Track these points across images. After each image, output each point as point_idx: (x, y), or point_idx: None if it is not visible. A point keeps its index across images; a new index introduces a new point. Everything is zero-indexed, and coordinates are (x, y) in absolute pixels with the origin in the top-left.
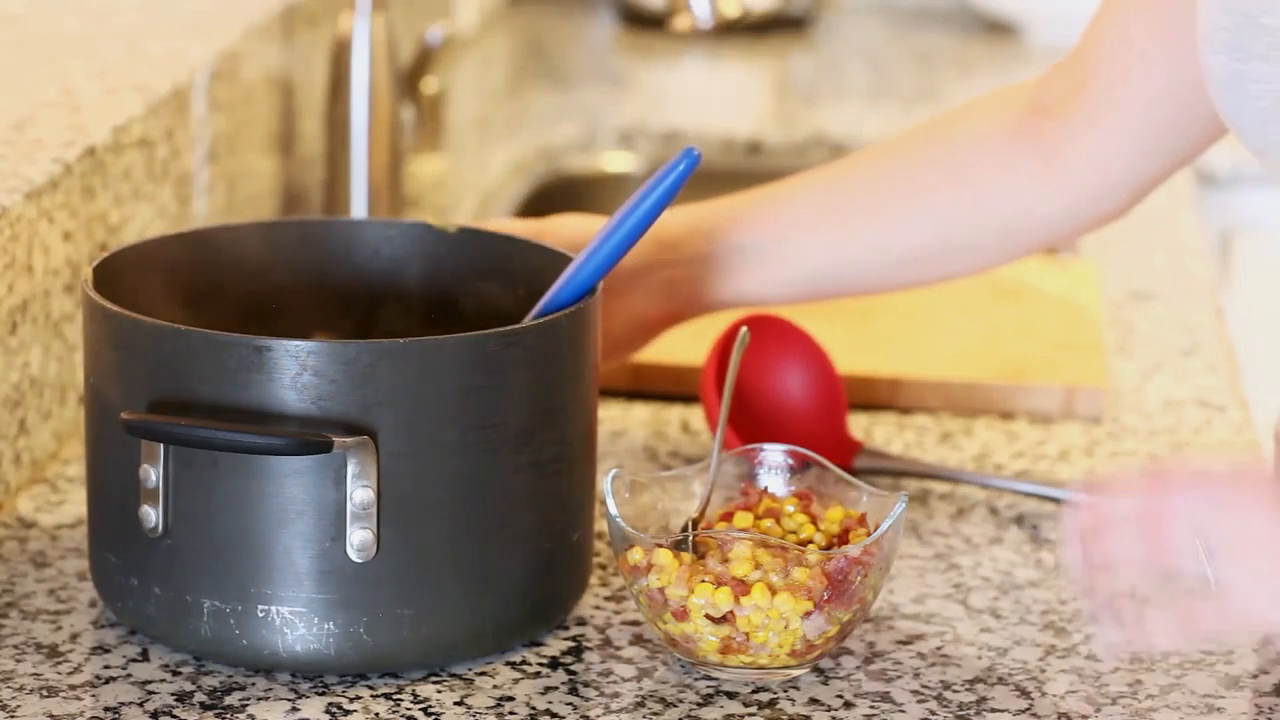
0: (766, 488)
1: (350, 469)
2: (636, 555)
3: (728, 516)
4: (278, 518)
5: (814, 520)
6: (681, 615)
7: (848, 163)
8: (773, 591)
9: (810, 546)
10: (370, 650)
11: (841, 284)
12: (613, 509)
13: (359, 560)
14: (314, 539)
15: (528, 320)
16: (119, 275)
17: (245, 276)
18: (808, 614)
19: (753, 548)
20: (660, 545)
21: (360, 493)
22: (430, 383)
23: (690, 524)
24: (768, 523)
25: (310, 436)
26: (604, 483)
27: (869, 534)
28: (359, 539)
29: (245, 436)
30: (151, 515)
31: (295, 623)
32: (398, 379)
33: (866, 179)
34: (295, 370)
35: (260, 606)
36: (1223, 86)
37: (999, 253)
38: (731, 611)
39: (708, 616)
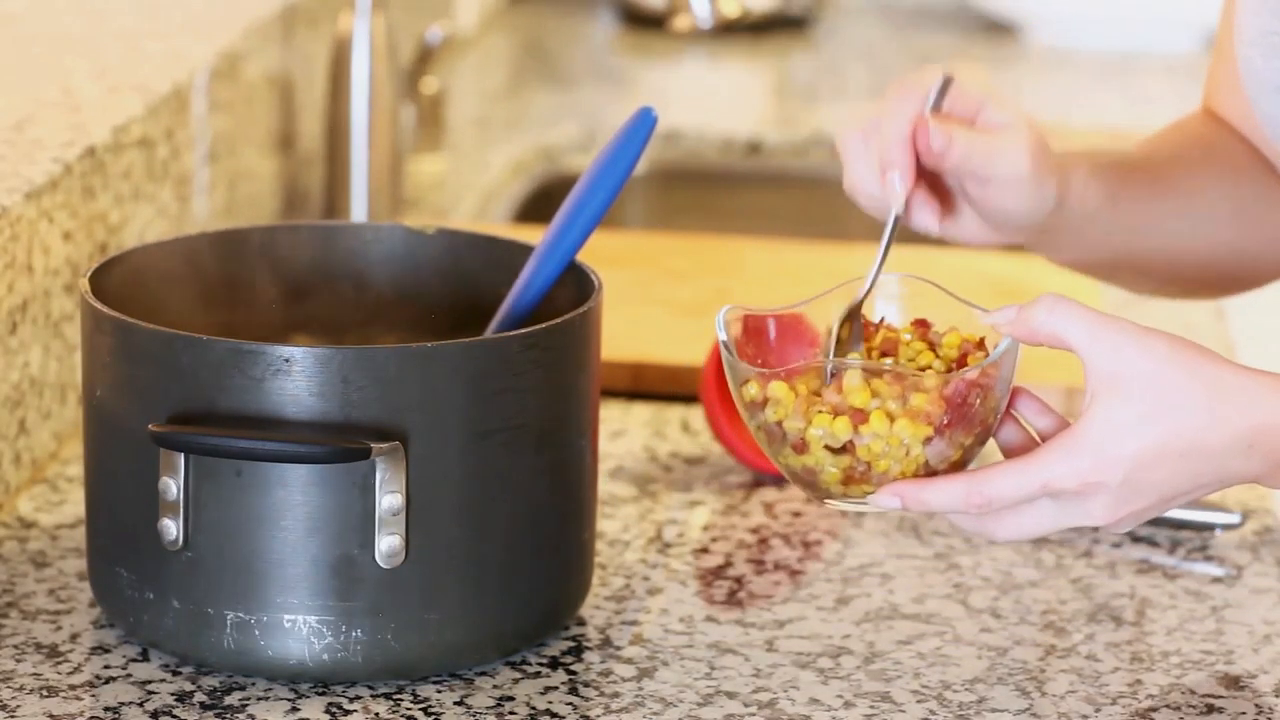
0: (884, 319)
1: (379, 475)
2: (753, 390)
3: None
4: (304, 526)
5: (932, 347)
6: (801, 448)
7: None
8: (891, 419)
9: (928, 371)
10: (398, 656)
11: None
12: (727, 341)
13: (387, 567)
14: (341, 547)
15: (504, 305)
16: (111, 285)
17: (220, 284)
18: (928, 439)
19: (866, 377)
20: (776, 377)
21: (389, 499)
22: (457, 386)
23: (850, 311)
24: (886, 361)
25: (348, 444)
26: (718, 318)
27: (987, 356)
28: (387, 545)
29: (286, 446)
30: (172, 528)
31: (323, 631)
32: (425, 383)
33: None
34: (322, 377)
35: (286, 617)
36: (1263, 89)
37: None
38: (851, 441)
39: (827, 448)
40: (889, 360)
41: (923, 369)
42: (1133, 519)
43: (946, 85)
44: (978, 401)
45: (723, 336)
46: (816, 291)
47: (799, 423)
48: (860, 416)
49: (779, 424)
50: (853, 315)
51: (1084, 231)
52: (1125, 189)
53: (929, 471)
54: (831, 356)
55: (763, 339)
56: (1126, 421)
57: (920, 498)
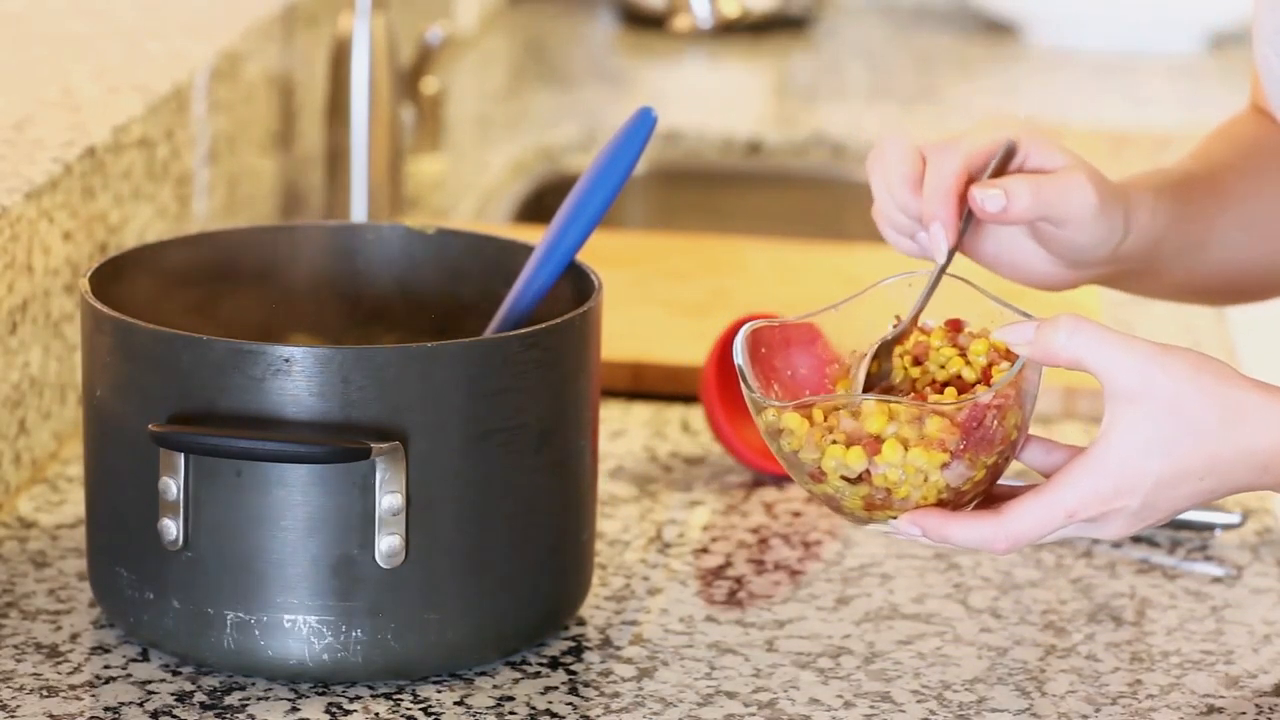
0: (915, 316)
1: (379, 475)
2: (770, 417)
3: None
4: (304, 527)
5: (963, 352)
6: (818, 477)
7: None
8: (905, 446)
9: (948, 392)
10: (398, 656)
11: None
12: (743, 367)
13: (387, 567)
14: (341, 547)
15: (504, 305)
16: (112, 284)
17: (220, 284)
18: (945, 465)
19: (880, 403)
20: (787, 408)
21: (389, 499)
22: (457, 386)
23: (884, 347)
24: (916, 371)
25: (348, 444)
26: (738, 342)
27: (1012, 367)
28: (387, 545)
29: (286, 446)
30: (172, 528)
31: (323, 631)
32: (425, 383)
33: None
34: (322, 377)
35: (286, 617)
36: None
37: None
38: (867, 470)
39: (843, 478)
40: (917, 371)
41: (953, 377)
42: (1142, 530)
43: (1010, 154)
44: (995, 423)
45: (739, 361)
46: (814, 289)
47: (813, 453)
48: (874, 447)
49: (795, 454)
50: (885, 353)
51: (1156, 255)
52: (1190, 205)
53: (952, 492)
54: (859, 388)
55: (775, 352)
56: (1148, 444)
57: (943, 533)
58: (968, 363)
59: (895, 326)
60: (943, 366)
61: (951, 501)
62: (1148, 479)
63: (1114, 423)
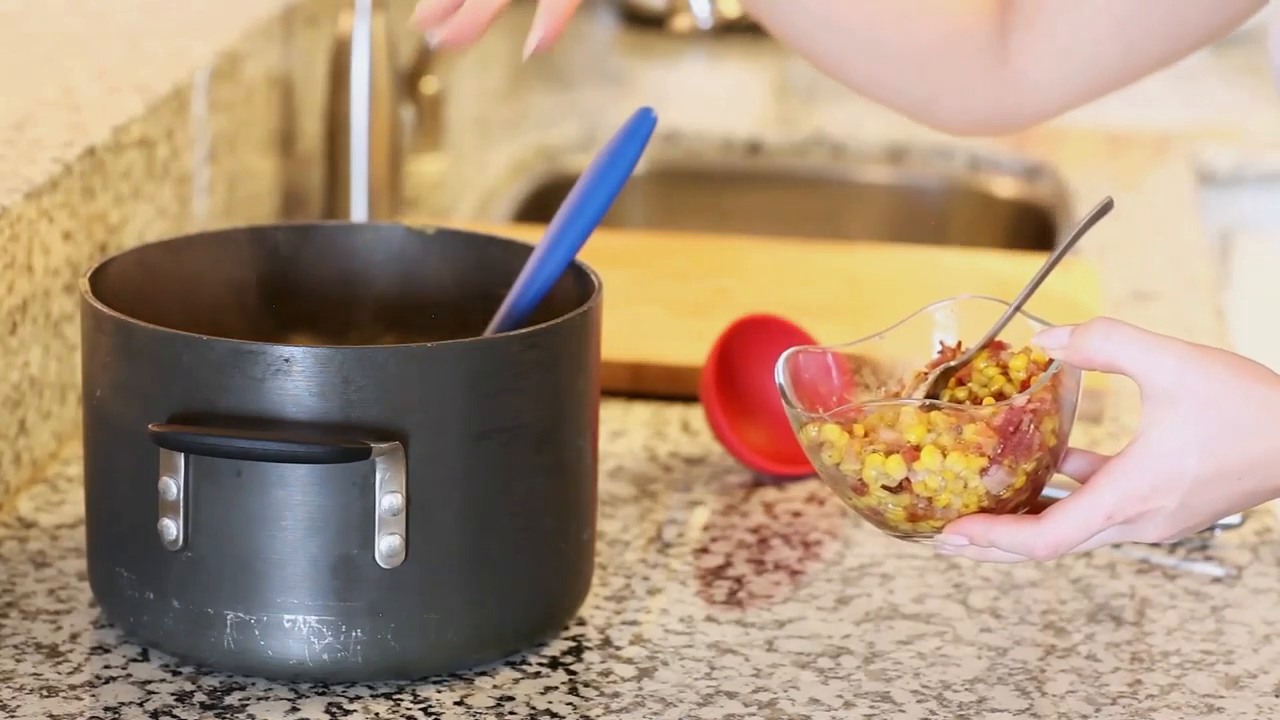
0: (960, 342)
1: (379, 475)
2: (811, 433)
3: (924, 377)
4: (303, 527)
5: (1005, 370)
6: (860, 489)
7: None
8: (944, 453)
9: (986, 401)
10: (398, 656)
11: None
12: (784, 385)
13: (387, 567)
14: (340, 547)
15: (504, 305)
16: (112, 284)
17: (220, 283)
18: (984, 470)
19: (919, 411)
20: (826, 420)
21: (389, 499)
22: (457, 386)
23: (943, 374)
24: (961, 393)
25: (348, 444)
26: (780, 363)
27: (1048, 372)
28: (387, 545)
29: (286, 446)
30: (172, 528)
31: (323, 631)
32: (425, 383)
33: None
34: (322, 377)
35: (286, 617)
36: None
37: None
38: (907, 479)
39: (884, 487)
40: (963, 392)
41: (997, 394)
42: (1181, 534)
43: (1105, 210)
44: (1032, 428)
45: (780, 380)
46: (814, 290)
47: (854, 464)
48: (912, 454)
49: (836, 466)
50: (941, 378)
51: None
52: None
53: (993, 500)
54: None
55: (819, 378)
56: (1185, 444)
57: (989, 536)
58: (1009, 379)
59: (942, 351)
60: (986, 385)
61: (994, 510)
62: (1185, 478)
63: (1151, 423)
